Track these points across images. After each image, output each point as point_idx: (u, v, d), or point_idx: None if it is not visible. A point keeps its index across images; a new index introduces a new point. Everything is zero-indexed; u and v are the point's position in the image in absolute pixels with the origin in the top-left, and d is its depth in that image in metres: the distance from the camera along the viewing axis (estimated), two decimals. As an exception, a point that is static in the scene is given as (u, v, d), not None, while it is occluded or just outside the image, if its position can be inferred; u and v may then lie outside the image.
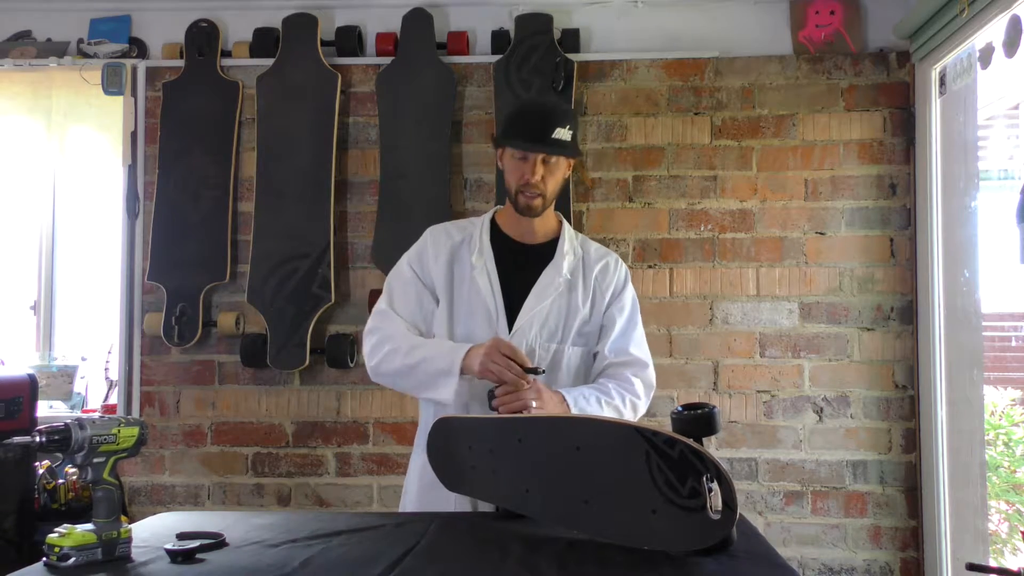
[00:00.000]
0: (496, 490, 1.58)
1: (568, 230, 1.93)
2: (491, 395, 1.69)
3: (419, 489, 1.85)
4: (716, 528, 1.18)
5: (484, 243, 1.87)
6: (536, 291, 1.83)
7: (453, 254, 1.87)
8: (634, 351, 1.88)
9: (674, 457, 1.22)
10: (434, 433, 1.69)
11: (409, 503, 1.89)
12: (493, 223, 1.92)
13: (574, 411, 1.71)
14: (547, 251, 1.88)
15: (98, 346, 3.37)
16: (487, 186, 3.05)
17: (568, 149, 1.81)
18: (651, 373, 1.90)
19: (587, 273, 1.89)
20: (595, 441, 1.37)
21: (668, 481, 1.22)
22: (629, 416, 1.80)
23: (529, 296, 1.83)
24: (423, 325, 1.87)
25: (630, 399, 1.83)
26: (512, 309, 1.82)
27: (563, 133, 1.78)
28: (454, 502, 1.76)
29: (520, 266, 1.86)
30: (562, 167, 1.84)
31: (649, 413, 2.93)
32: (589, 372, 1.90)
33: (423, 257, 1.89)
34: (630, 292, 1.93)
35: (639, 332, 1.92)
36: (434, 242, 1.90)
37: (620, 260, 1.96)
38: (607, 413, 1.77)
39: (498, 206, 1.99)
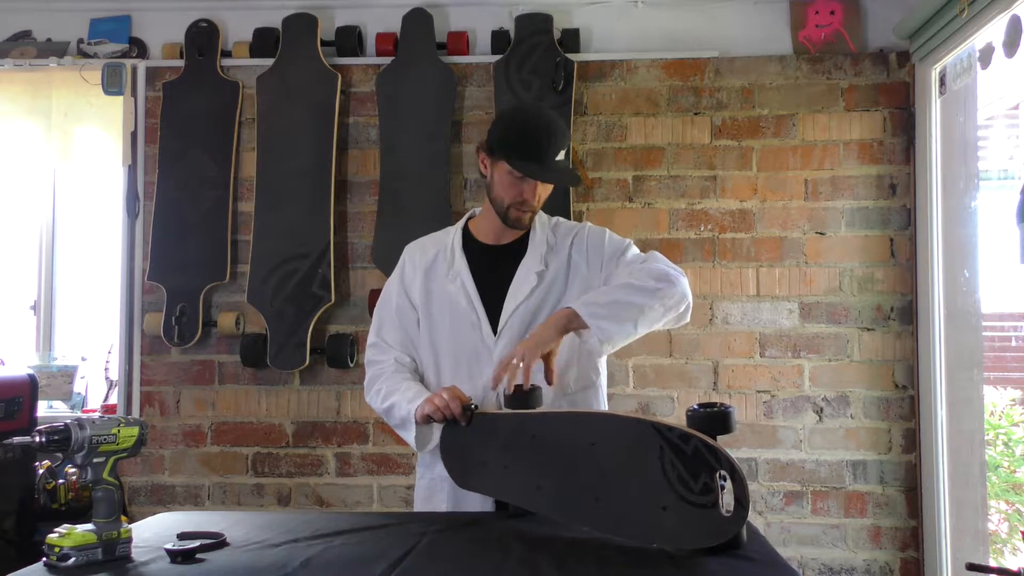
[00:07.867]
0: (507, 486, 1.57)
1: (539, 220, 1.88)
2: (505, 396, 1.65)
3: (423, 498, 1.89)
4: (726, 526, 1.18)
5: (457, 253, 1.85)
6: (513, 290, 1.80)
7: (428, 269, 1.86)
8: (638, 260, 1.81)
9: (688, 453, 1.22)
10: (448, 428, 1.69)
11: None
12: (466, 230, 1.90)
13: (583, 313, 1.65)
14: (520, 247, 1.85)
15: (98, 346, 3.37)
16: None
17: (568, 177, 1.83)
18: (660, 255, 1.80)
19: (562, 254, 1.83)
20: (609, 437, 1.37)
21: (680, 477, 1.22)
22: (650, 284, 1.70)
23: (507, 296, 1.79)
24: (413, 350, 1.87)
25: (642, 275, 1.73)
26: (494, 313, 1.79)
27: (562, 155, 1.77)
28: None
29: (495, 268, 1.82)
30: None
31: (649, 414, 2.95)
32: (587, 355, 1.82)
33: (404, 278, 1.89)
34: (611, 242, 1.84)
35: (636, 252, 1.84)
36: (411, 260, 1.90)
37: (590, 224, 1.89)
38: (621, 292, 1.70)
39: (475, 209, 1.94)
